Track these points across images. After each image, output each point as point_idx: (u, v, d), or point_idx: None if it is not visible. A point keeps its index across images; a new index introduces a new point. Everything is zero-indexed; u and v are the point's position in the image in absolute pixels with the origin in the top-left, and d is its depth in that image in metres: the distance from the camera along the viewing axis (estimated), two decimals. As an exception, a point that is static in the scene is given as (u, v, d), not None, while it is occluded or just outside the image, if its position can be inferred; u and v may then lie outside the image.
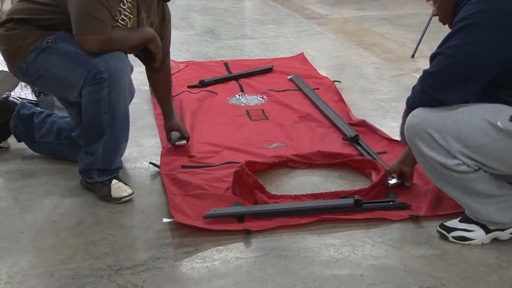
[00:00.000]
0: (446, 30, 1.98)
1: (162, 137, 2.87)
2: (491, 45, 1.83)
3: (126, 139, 2.36)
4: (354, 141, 2.79)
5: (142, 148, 2.78)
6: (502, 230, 2.00)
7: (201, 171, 2.51)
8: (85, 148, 2.30)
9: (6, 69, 2.89)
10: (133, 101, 2.55)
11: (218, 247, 1.99)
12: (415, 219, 2.15)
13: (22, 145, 2.68)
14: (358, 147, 2.74)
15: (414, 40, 4.63)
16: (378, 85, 3.78)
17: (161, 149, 2.71)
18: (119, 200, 2.26)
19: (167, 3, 2.51)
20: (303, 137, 2.90)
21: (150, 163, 2.57)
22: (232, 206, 2.19)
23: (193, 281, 1.82)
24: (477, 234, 1.99)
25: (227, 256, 1.94)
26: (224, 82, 3.73)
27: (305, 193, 2.33)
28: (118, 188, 2.28)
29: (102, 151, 2.26)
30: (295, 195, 2.32)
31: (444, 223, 2.04)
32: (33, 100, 3.04)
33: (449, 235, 2.02)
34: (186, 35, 5.15)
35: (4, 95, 2.71)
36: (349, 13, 6.16)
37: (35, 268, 1.87)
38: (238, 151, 2.73)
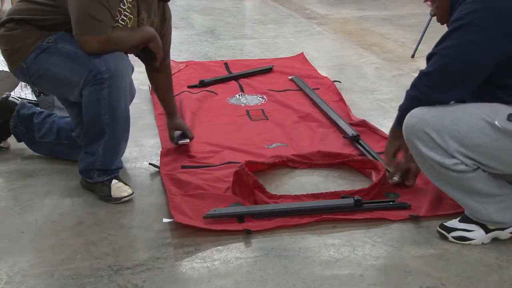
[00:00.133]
0: (445, 30, 1.98)
1: (162, 137, 2.87)
2: (486, 44, 1.83)
3: (126, 139, 2.37)
4: (355, 140, 2.79)
5: (142, 148, 2.78)
6: (502, 229, 2.00)
7: (201, 171, 2.51)
8: (85, 148, 2.30)
9: (6, 69, 2.90)
10: (133, 101, 2.55)
11: (218, 247, 1.99)
12: (415, 219, 2.15)
13: (22, 145, 2.68)
14: (359, 146, 2.74)
15: (414, 40, 4.63)
16: (378, 85, 3.78)
17: (161, 149, 2.71)
18: (119, 200, 2.26)
19: (167, 2, 2.51)
20: (303, 137, 2.90)
21: (150, 164, 2.57)
22: (232, 206, 2.19)
23: (193, 281, 1.82)
24: (477, 234, 1.99)
25: (227, 256, 1.94)
26: (224, 82, 3.73)
27: (305, 193, 2.33)
28: (118, 188, 2.28)
29: (102, 151, 2.26)
30: (295, 195, 2.32)
31: (444, 223, 2.04)
32: (33, 100, 3.04)
33: (449, 235, 2.02)
34: (186, 35, 5.15)
35: (4, 95, 2.71)
36: (349, 13, 6.16)
37: (35, 268, 1.87)
38: (238, 151, 2.73)
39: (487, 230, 1.99)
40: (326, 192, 2.33)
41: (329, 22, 5.75)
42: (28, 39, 2.22)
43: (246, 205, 2.21)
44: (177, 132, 2.72)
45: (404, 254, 1.95)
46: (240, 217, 2.14)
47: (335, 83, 3.66)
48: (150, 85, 3.21)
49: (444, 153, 1.88)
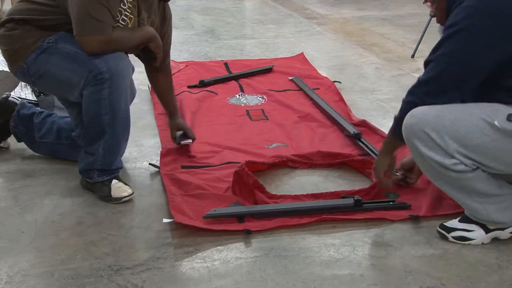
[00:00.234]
0: (445, 30, 1.99)
1: (162, 137, 2.87)
2: (482, 49, 1.85)
3: (126, 139, 2.36)
4: (356, 138, 2.80)
5: (142, 148, 2.78)
6: (502, 229, 2.00)
7: (201, 171, 2.51)
8: (85, 148, 2.30)
9: (6, 69, 2.90)
10: (133, 101, 2.55)
11: (218, 247, 1.99)
12: (415, 219, 2.15)
13: (22, 145, 2.68)
14: (361, 145, 2.74)
15: (414, 40, 4.64)
16: (378, 85, 3.78)
17: (161, 149, 2.71)
18: (119, 200, 2.26)
19: (167, 2, 2.51)
20: (303, 137, 2.90)
21: (150, 164, 2.57)
22: (232, 206, 2.19)
23: (193, 281, 1.82)
24: (477, 234, 1.99)
25: (227, 256, 1.94)
26: (224, 82, 3.73)
27: (305, 193, 2.33)
28: (118, 188, 2.28)
29: (103, 151, 2.26)
30: (295, 195, 2.32)
31: (444, 223, 2.04)
32: (33, 100, 3.04)
33: (449, 235, 2.02)
34: (186, 35, 5.15)
35: (4, 95, 2.71)
36: (349, 13, 6.16)
37: (35, 268, 1.87)
38: (238, 151, 2.73)
39: (487, 230, 1.99)
40: (326, 192, 2.33)
41: (329, 22, 5.75)
42: (29, 39, 2.22)
43: (246, 205, 2.21)
44: (179, 132, 2.72)
45: (404, 254, 1.95)
46: (240, 217, 2.14)
47: (335, 83, 3.66)
48: (150, 85, 3.21)
49: (444, 153, 1.88)
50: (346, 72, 4.06)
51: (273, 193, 2.32)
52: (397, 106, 2.09)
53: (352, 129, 2.87)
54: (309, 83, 3.66)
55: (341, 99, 3.41)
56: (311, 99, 3.39)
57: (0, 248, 1.97)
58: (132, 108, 2.41)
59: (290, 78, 3.79)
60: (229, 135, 2.92)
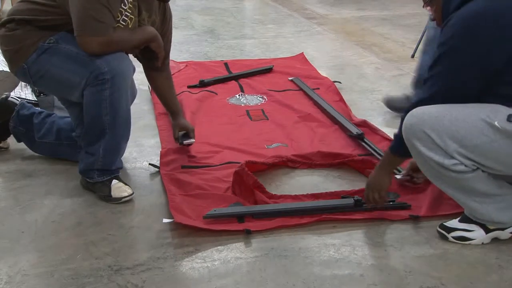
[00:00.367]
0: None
1: (162, 137, 2.87)
2: (469, 68, 1.86)
3: (126, 139, 2.36)
4: (359, 138, 2.80)
5: (142, 148, 2.78)
6: (502, 229, 2.00)
7: (201, 171, 2.51)
8: (86, 148, 2.30)
9: (6, 69, 2.90)
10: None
11: (218, 247, 1.99)
12: (415, 219, 2.15)
13: (22, 145, 2.68)
14: (364, 145, 2.74)
15: (414, 40, 4.63)
16: (378, 85, 3.78)
17: (161, 149, 2.71)
18: (119, 200, 2.26)
19: (167, 2, 2.51)
20: (303, 137, 2.90)
21: (150, 164, 2.57)
22: (232, 206, 2.19)
23: (193, 281, 1.82)
24: (477, 234, 2.00)
25: (227, 256, 1.94)
26: (224, 82, 3.73)
27: (305, 193, 2.33)
28: (118, 188, 2.28)
29: (103, 152, 2.26)
30: (295, 195, 2.32)
31: (444, 223, 2.05)
32: (33, 100, 3.04)
33: (449, 235, 2.02)
34: (186, 35, 5.15)
35: (4, 95, 2.71)
36: (349, 13, 6.16)
37: (35, 268, 1.87)
38: (238, 151, 2.73)
39: (487, 230, 1.99)
40: (326, 192, 2.33)
41: (329, 22, 5.75)
42: (29, 39, 2.22)
43: (246, 205, 2.21)
44: (181, 132, 2.72)
45: (404, 254, 1.96)
46: (240, 217, 2.14)
47: (335, 83, 3.66)
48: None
49: (444, 154, 1.88)
50: (346, 72, 4.06)
51: (273, 193, 2.32)
52: (397, 106, 2.10)
53: (354, 130, 2.87)
54: (309, 83, 3.66)
55: (341, 99, 3.41)
56: (311, 99, 3.39)
57: (0, 248, 1.97)
58: (132, 108, 2.40)
59: (290, 78, 3.79)
60: (229, 135, 2.92)
